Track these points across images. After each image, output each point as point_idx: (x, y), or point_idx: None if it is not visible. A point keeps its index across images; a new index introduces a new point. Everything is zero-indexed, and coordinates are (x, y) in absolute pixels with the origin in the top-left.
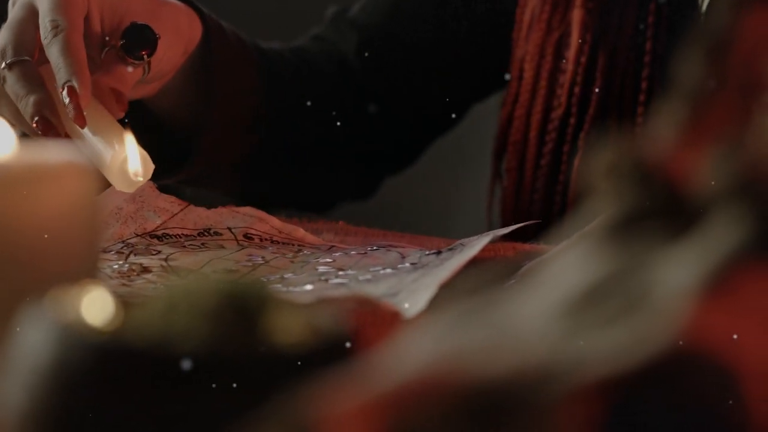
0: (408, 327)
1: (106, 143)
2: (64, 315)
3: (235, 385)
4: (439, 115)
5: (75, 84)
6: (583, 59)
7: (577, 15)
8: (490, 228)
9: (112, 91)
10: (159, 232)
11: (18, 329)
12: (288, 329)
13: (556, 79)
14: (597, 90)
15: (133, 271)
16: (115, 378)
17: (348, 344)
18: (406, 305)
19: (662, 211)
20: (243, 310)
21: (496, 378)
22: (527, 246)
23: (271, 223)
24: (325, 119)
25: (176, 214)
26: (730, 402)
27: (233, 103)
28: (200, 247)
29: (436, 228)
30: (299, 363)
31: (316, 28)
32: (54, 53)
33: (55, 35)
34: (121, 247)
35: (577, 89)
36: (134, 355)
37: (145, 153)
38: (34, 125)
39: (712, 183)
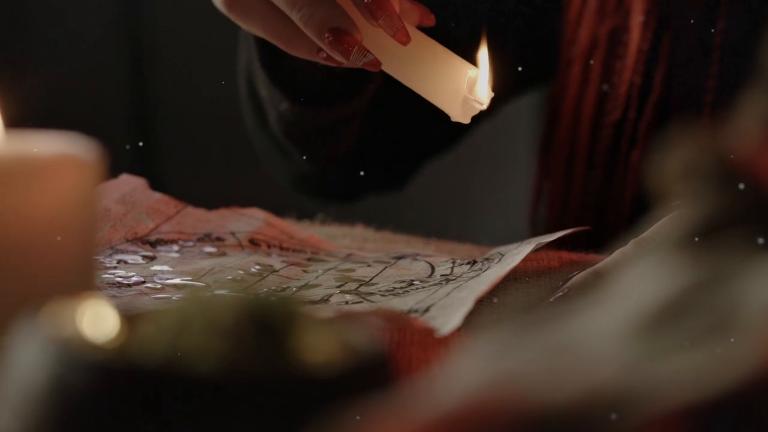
0: (456, 347)
1: (440, 67)
2: (61, 330)
3: (259, 409)
4: None
5: None
6: (645, 46)
7: (638, 9)
8: (533, 234)
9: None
10: (152, 237)
11: (9, 346)
12: (317, 347)
13: (611, 67)
14: (660, 77)
15: (124, 280)
16: (120, 401)
17: (387, 364)
18: (439, 322)
19: (749, 216)
20: (265, 325)
21: (561, 404)
22: (575, 255)
23: (280, 227)
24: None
25: (172, 216)
26: None
27: None
28: (200, 255)
29: (465, 233)
30: (333, 387)
31: None
32: None
33: None
34: (110, 254)
35: (637, 78)
36: (141, 376)
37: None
38: (328, 37)
39: None
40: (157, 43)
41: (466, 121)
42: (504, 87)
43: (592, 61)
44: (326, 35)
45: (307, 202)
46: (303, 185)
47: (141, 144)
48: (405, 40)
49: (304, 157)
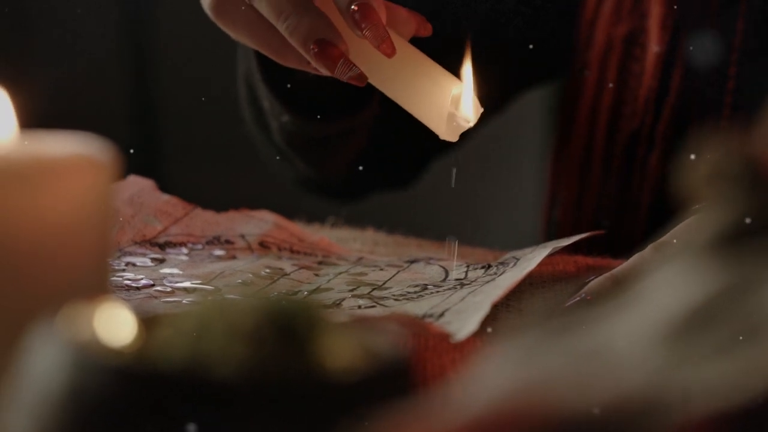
0: (472, 352)
1: (426, 81)
2: (77, 333)
3: (279, 415)
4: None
5: (370, 1)
6: (662, 48)
7: (656, 11)
8: (548, 239)
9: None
10: (160, 240)
11: (25, 350)
12: (338, 352)
13: (628, 68)
14: (677, 80)
15: (133, 283)
16: (139, 406)
17: (409, 370)
18: (454, 327)
19: None
20: (288, 329)
21: (588, 412)
22: (591, 260)
23: (290, 230)
24: (363, 112)
25: (180, 218)
26: None
27: None
28: (209, 258)
29: (478, 237)
30: (354, 391)
31: None
32: None
33: None
34: (118, 256)
35: (655, 81)
36: (161, 380)
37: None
38: (313, 48)
39: None
40: (159, 43)
41: (454, 139)
42: (506, 86)
43: (609, 62)
44: (311, 46)
45: (314, 203)
46: (306, 186)
47: (144, 145)
48: (390, 51)
49: (306, 165)
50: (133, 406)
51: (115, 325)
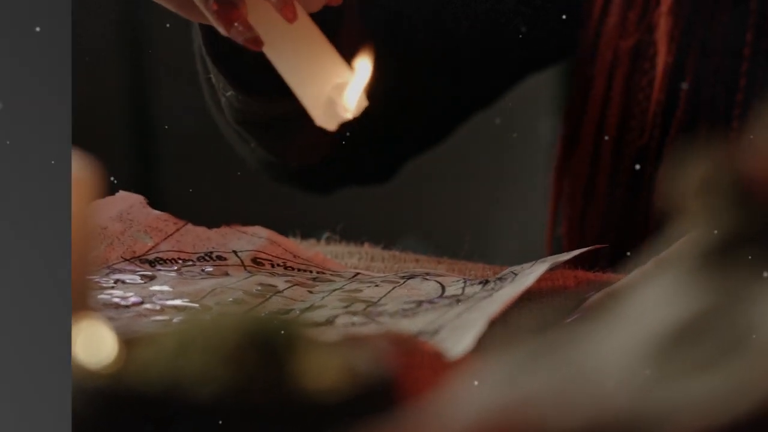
0: (464, 370)
1: (315, 60)
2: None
3: None
4: (468, 95)
5: None
6: (670, 59)
7: (663, 24)
8: (551, 253)
9: None
10: (150, 256)
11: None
12: (320, 372)
13: (635, 81)
14: (685, 91)
15: (121, 301)
16: (118, 427)
17: (391, 389)
18: (449, 345)
19: (765, 236)
20: (268, 349)
21: (573, 429)
22: (591, 274)
23: (284, 246)
24: None
25: (171, 234)
26: None
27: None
28: (200, 274)
29: (476, 252)
30: (336, 411)
31: None
32: None
33: None
34: (107, 273)
35: (663, 93)
36: (140, 401)
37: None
38: (212, 6)
39: None
40: (159, 46)
41: (331, 127)
42: (505, 80)
43: (615, 74)
44: (211, 4)
45: (309, 219)
46: (270, 172)
47: (139, 158)
48: (291, 17)
49: (257, 146)
50: (110, 427)
51: (95, 344)
